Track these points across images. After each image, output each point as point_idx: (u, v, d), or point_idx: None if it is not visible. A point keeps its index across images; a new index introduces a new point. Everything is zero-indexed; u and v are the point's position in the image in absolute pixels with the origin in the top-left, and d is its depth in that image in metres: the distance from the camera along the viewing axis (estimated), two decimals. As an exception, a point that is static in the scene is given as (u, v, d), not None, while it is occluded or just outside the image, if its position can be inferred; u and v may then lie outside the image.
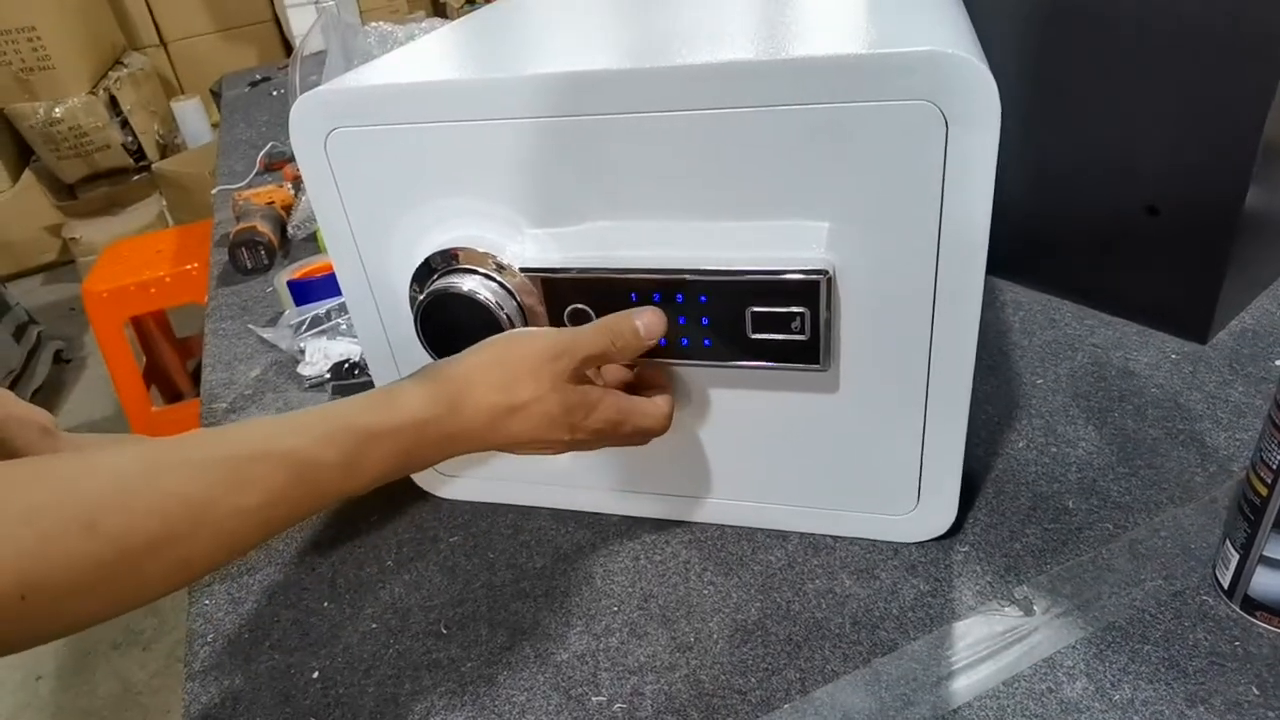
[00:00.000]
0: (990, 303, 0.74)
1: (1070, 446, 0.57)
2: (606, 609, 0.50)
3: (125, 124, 2.71)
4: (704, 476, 0.53)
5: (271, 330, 0.80)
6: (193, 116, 2.70)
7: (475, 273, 0.46)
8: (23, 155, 2.76)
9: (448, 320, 0.47)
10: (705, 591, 0.50)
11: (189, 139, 2.73)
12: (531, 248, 0.47)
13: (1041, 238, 0.73)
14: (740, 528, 0.54)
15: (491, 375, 0.41)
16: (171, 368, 1.99)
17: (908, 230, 0.41)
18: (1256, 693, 0.41)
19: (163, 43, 2.97)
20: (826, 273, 0.42)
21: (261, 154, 1.28)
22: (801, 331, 0.43)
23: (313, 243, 1.02)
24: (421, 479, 0.60)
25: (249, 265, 0.97)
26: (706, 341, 0.45)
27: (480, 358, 0.42)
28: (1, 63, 2.48)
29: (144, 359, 1.92)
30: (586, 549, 0.54)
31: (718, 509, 0.54)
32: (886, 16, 0.45)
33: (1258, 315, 0.68)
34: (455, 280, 0.46)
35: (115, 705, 1.47)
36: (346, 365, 0.74)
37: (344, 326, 0.78)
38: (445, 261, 0.47)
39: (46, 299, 2.73)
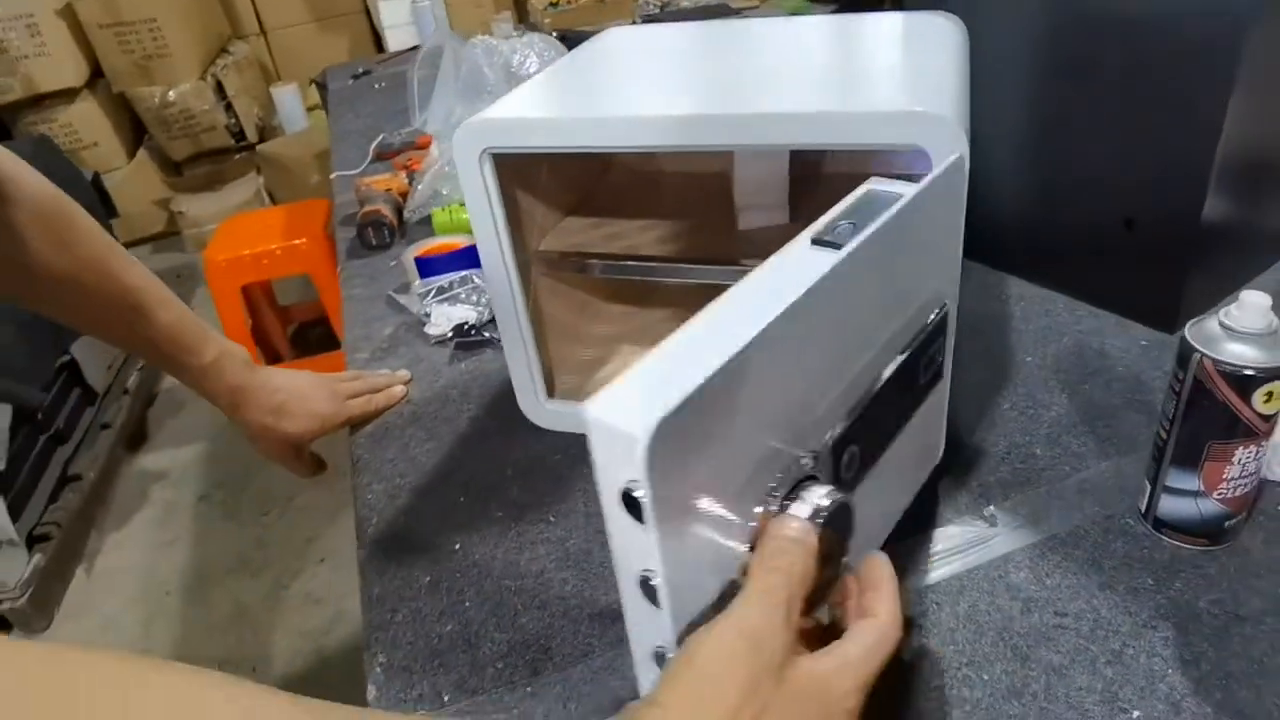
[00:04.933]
0: (998, 295, 0.88)
1: (1045, 409, 0.72)
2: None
3: (229, 107, 2.95)
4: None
5: (405, 296, 0.99)
6: (290, 102, 2.93)
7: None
8: (136, 135, 3.03)
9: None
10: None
11: (285, 123, 2.97)
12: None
13: (1044, 241, 0.87)
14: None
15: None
16: (274, 332, 2.21)
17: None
18: (1151, 582, 0.56)
19: (263, 31, 3.20)
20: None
21: (374, 144, 1.47)
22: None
23: (426, 225, 1.19)
24: (530, 412, 0.77)
25: (374, 242, 1.16)
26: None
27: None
28: (125, 51, 2.73)
29: (250, 322, 2.15)
30: (658, 470, 0.71)
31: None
32: (896, 77, 0.60)
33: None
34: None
35: (230, 622, 1.70)
36: (466, 326, 0.92)
37: (463, 295, 0.96)
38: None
39: (156, 266, 2.99)
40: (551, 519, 0.67)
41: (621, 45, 0.80)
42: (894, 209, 0.45)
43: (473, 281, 0.97)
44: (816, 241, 0.45)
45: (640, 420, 0.33)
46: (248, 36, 3.19)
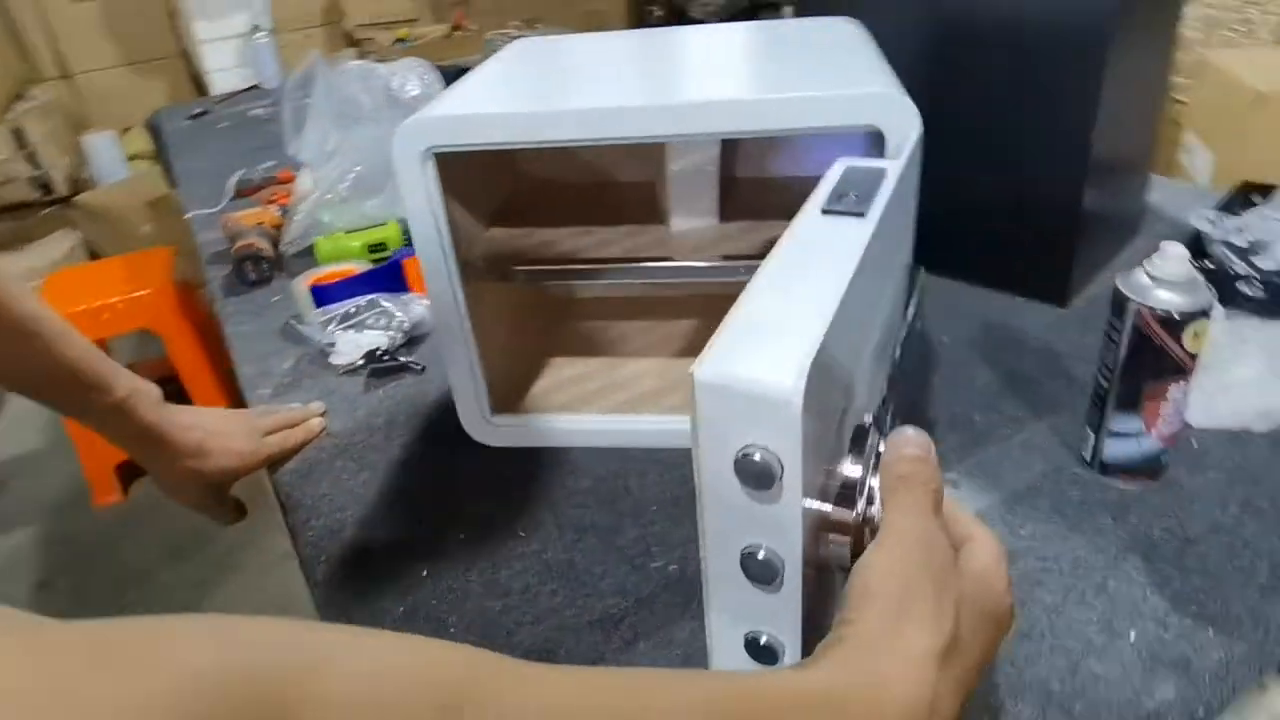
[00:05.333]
0: (903, 285, 0.93)
1: (972, 380, 0.76)
2: (645, 508, 0.65)
3: (32, 158, 2.67)
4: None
5: (306, 326, 0.92)
6: (105, 150, 2.69)
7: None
8: (-84, 191, 2.68)
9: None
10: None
11: (100, 173, 2.72)
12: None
13: (942, 234, 0.92)
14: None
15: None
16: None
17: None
18: (1110, 520, 0.60)
19: (68, 76, 2.94)
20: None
21: (233, 181, 1.37)
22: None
23: (306, 257, 1.12)
24: (474, 430, 0.73)
25: (253, 277, 1.07)
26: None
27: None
28: (-100, 97, 2.42)
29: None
30: (619, 472, 0.69)
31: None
32: (838, 67, 0.63)
33: (1102, 285, 0.89)
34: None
35: None
36: (379, 353, 0.86)
37: (371, 321, 0.90)
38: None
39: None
40: (521, 533, 0.64)
41: (542, 51, 0.79)
42: (892, 177, 0.47)
43: (380, 306, 0.92)
44: (829, 212, 0.46)
45: (786, 379, 0.32)
46: (49, 81, 2.91)
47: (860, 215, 0.45)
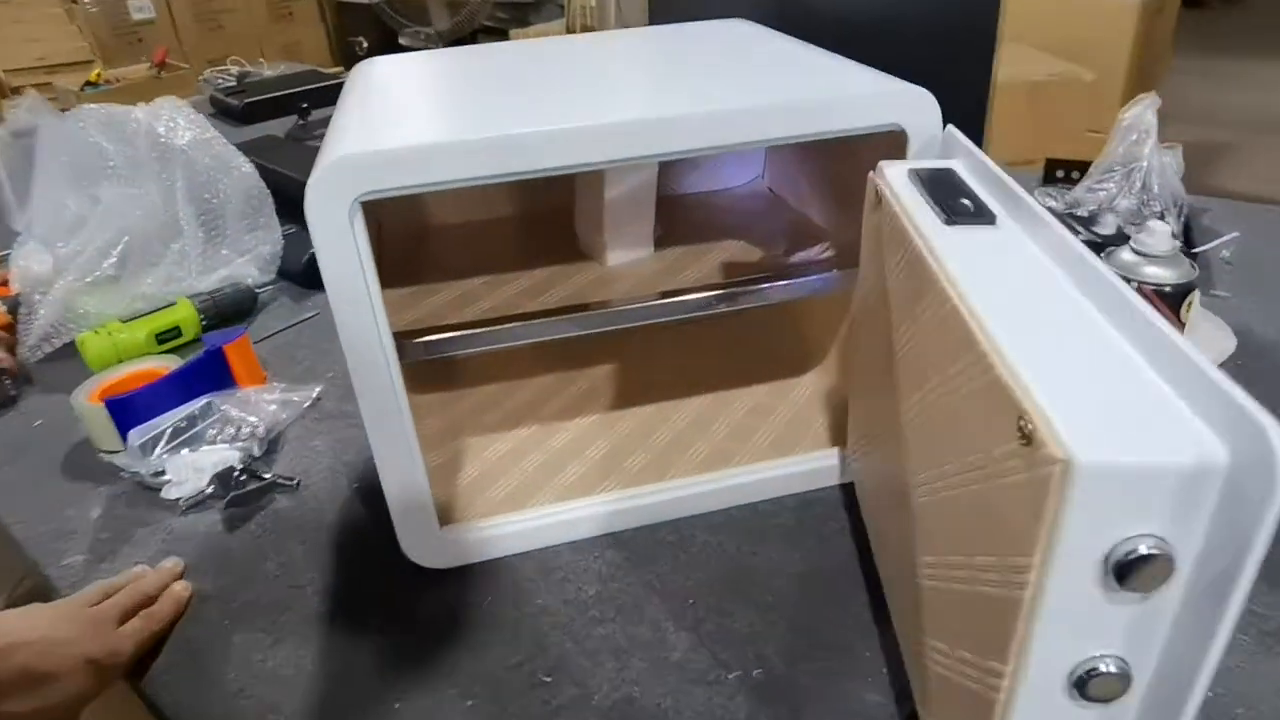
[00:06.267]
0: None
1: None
2: (681, 604, 0.53)
3: None
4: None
5: (114, 455, 0.68)
6: None
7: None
8: None
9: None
10: (757, 561, 0.56)
11: None
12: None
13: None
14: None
15: None
16: None
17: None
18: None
19: None
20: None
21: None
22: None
23: (65, 360, 0.85)
24: (420, 552, 0.57)
25: (-8, 400, 0.79)
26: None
27: None
28: None
29: None
30: (621, 565, 0.57)
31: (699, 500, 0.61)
32: (810, 67, 0.56)
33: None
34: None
35: None
36: (235, 474, 0.65)
37: (212, 434, 0.69)
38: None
39: None
40: (546, 678, 0.49)
41: (429, 71, 0.64)
42: (966, 175, 0.41)
43: (217, 411, 0.70)
44: (956, 223, 0.39)
45: (1187, 454, 0.24)
46: None
47: (990, 223, 0.39)
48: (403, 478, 0.53)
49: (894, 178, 0.45)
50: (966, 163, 0.46)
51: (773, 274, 0.63)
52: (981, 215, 0.39)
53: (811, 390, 0.72)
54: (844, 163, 0.65)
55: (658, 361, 0.77)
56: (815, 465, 0.62)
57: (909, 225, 0.40)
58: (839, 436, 0.65)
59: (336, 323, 0.48)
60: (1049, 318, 0.32)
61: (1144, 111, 1.01)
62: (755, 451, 0.65)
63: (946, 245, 0.37)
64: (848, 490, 0.62)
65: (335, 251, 0.45)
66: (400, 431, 0.52)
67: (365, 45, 3.94)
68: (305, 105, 1.49)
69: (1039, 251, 0.37)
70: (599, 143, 0.46)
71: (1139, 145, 1.00)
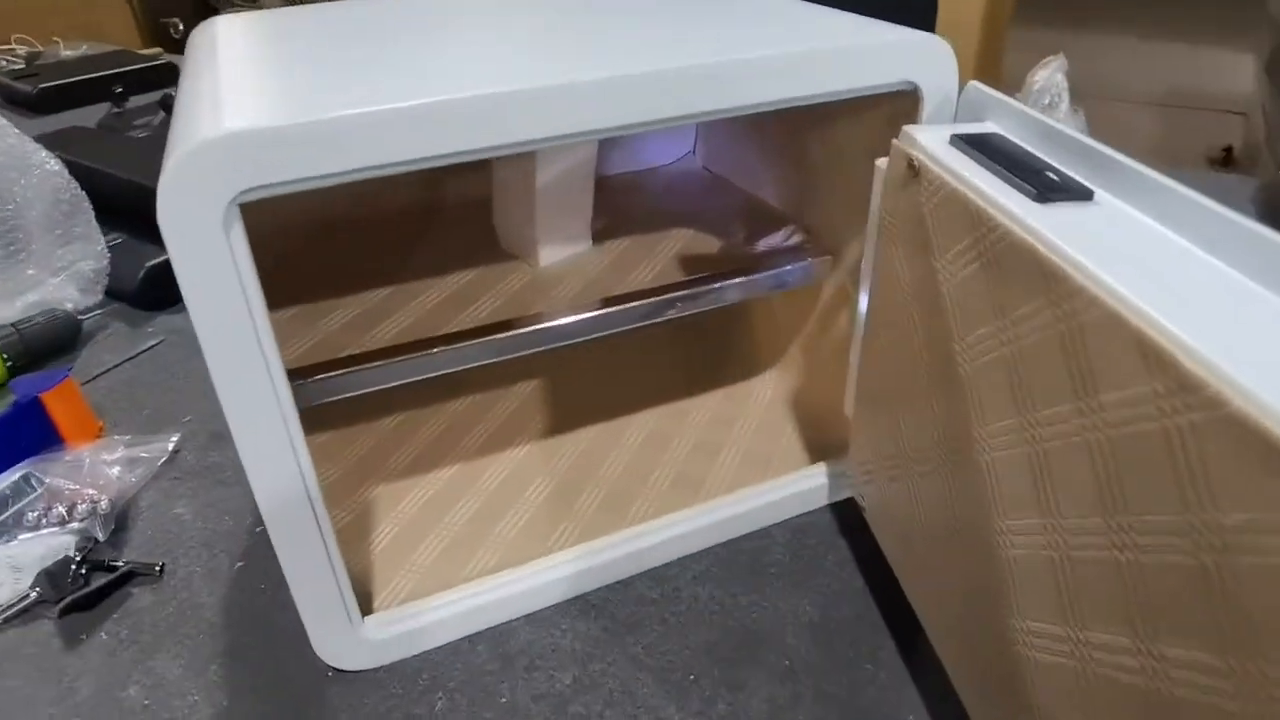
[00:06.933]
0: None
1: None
2: (684, 679, 0.43)
3: None
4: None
5: (-107, 561, 0.50)
6: None
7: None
8: None
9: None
10: (760, 614, 0.47)
11: None
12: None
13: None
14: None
15: None
16: None
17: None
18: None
19: None
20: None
21: None
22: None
23: None
24: (335, 653, 0.44)
25: None
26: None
27: None
28: None
29: None
30: (603, 636, 0.46)
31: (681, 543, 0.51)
32: (787, 16, 0.47)
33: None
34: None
35: None
36: (74, 567, 0.50)
37: (34, 514, 0.52)
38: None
39: None
40: (532, 806, 0.38)
41: (303, 26, 0.50)
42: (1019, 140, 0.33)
43: (40, 484, 0.54)
44: (1049, 200, 0.31)
45: None
46: None
47: (1087, 198, 0.31)
48: (310, 562, 0.41)
49: (933, 146, 0.37)
50: (1008, 124, 0.38)
51: (739, 267, 0.54)
52: (1072, 189, 0.31)
53: (774, 392, 0.64)
54: (804, 133, 0.57)
55: (592, 372, 0.66)
56: (804, 486, 0.53)
57: (987, 207, 0.31)
58: (817, 446, 0.57)
59: (210, 370, 0.34)
60: (1250, 317, 0.24)
61: (1053, 74, 0.99)
62: (726, 470, 0.56)
63: (1059, 230, 0.29)
64: (838, 510, 0.54)
65: (205, 276, 0.32)
66: (301, 502, 0.39)
67: (181, 28, 3.56)
68: (120, 90, 1.27)
69: (1167, 230, 0.29)
70: (592, 105, 0.35)
71: (1053, 110, 0.98)
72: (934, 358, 0.37)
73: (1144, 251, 0.28)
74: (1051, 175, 0.32)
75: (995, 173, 0.33)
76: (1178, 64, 2.07)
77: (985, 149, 0.35)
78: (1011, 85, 0.80)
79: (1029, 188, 0.31)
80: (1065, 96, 0.96)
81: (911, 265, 0.38)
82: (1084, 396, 0.27)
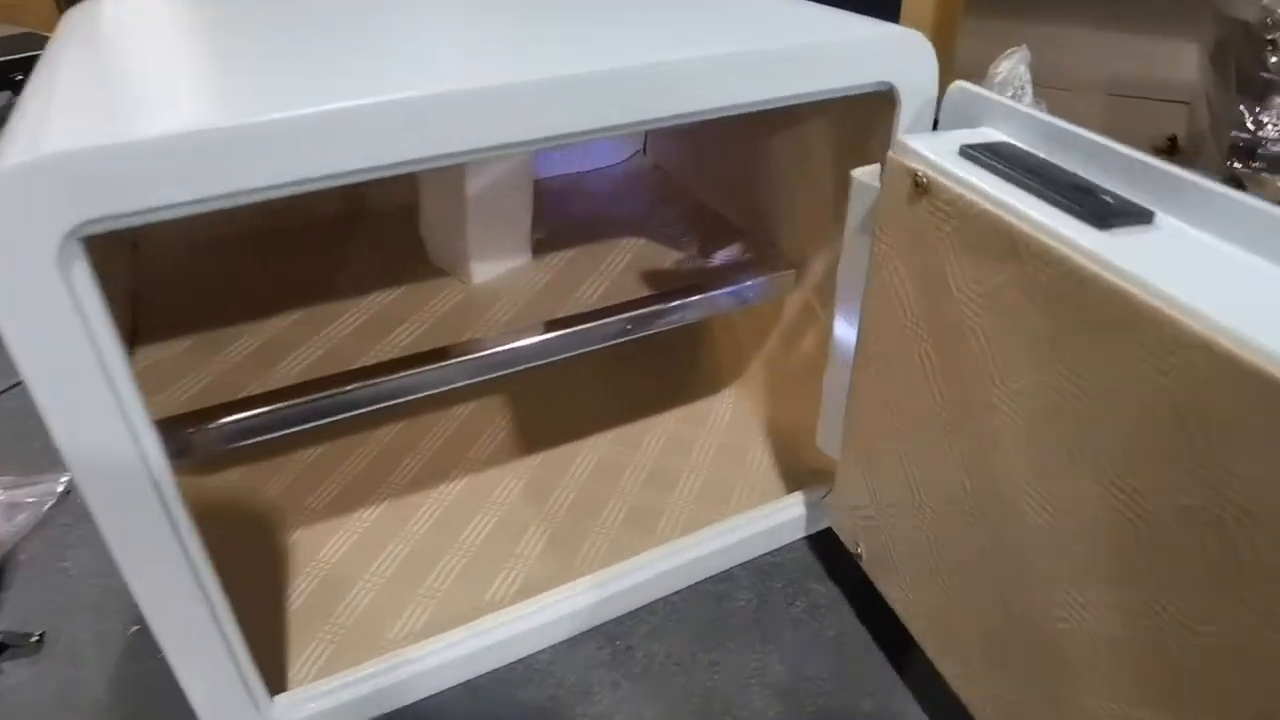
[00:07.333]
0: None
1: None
2: (642, 765, 0.38)
3: None
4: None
5: None
6: None
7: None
8: None
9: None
10: (722, 677, 0.42)
11: None
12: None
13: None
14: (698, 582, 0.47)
15: None
16: None
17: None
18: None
19: None
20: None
21: None
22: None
23: None
24: (246, 743, 0.38)
25: None
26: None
27: None
28: None
29: None
30: (549, 710, 0.41)
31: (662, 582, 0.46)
32: (766, 13, 0.41)
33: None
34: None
35: None
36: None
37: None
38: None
39: None
40: None
41: (185, 12, 0.43)
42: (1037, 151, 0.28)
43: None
44: (1110, 228, 0.26)
45: None
46: None
47: (1148, 221, 0.26)
48: (198, 644, 0.35)
49: (941, 160, 0.32)
50: (1010, 128, 0.34)
51: (696, 283, 0.49)
52: (1131, 212, 0.27)
53: (732, 412, 0.59)
54: (767, 135, 0.52)
55: (535, 394, 0.61)
56: (768, 524, 0.49)
57: (1037, 234, 0.27)
58: (783, 472, 0.53)
59: (55, 439, 0.28)
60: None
61: (1016, 65, 0.96)
62: (684, 502, 0.51)
63: (1143, 265, 0.24)
64: (805, 547, 0.50)
65: (38, 329, 0.26)
66: (188, 569, 0.33)
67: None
68: (19, 77, 1.17)
69: (1237, 249, 0.25)
70: (516, 113, 0.29)
71: (1018, 100, 0.94)
72: (957, 399, 0.32)
73: (1242, 285, 0.23)
74: (1107, 198, 0.27)
75: (1030, 190, 0.28)
76: (1122, 53, 2.07)
77: (1004, 161, 0.30)
78: (966, 76, 0.77)
79: (1079, 208, 0.27)
80: (1028, 89, 0.93)
81: (920, 293, 0.33)
82: (1207, 466, 0.22)
